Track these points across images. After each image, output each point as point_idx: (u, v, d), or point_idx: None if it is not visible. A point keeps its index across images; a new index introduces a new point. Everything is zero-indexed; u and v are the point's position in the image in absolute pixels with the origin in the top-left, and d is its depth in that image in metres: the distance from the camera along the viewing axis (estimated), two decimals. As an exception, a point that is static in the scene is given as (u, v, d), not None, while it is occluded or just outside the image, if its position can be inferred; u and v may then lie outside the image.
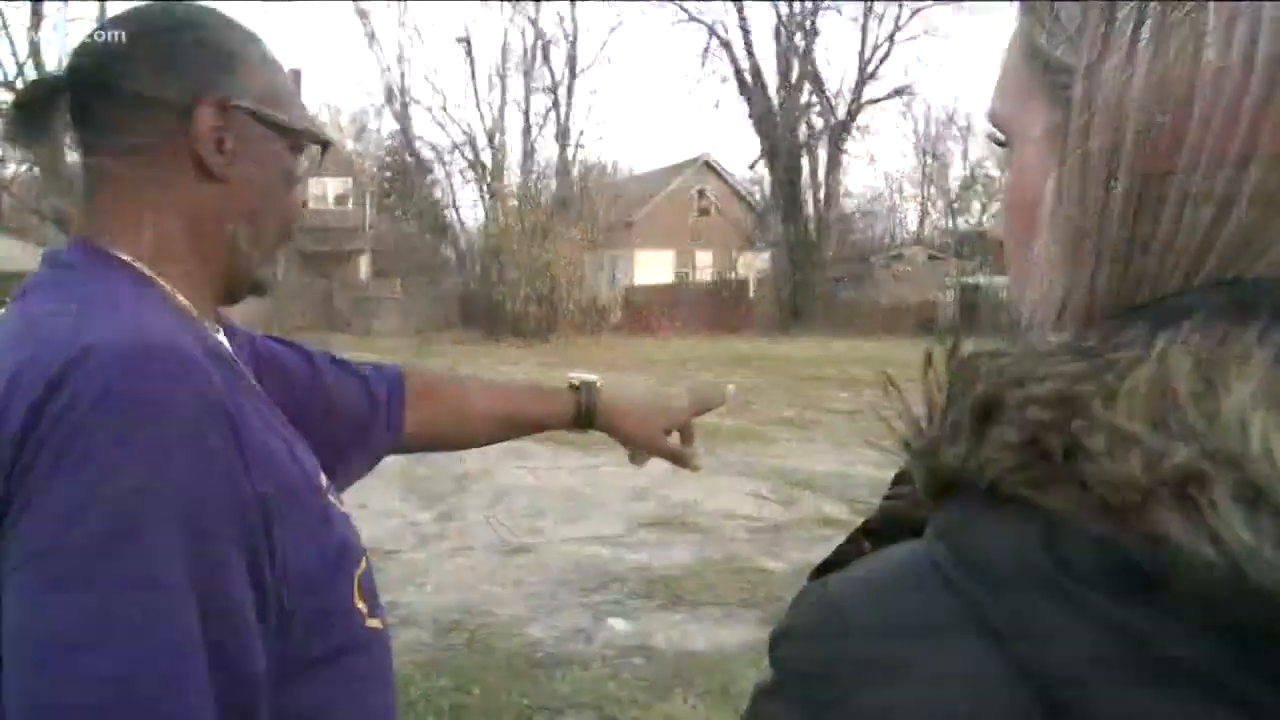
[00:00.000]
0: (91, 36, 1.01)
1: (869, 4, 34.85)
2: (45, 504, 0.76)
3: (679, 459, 1.48)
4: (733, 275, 38.39)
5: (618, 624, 5.07)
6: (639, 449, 1.48)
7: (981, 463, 0.42)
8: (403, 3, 43.11)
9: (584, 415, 1.44)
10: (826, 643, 0.45)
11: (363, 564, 1.01)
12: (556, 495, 7.93)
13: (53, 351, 0.81)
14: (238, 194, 1.01)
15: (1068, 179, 0.47)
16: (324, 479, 1.01)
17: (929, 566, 0.44)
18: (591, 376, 1.45)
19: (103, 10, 29.54)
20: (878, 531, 0.54)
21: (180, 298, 0.98)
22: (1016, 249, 0.53)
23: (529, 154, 35.04)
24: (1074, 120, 0.46)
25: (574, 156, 35.51)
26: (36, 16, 28.45)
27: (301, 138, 1.07)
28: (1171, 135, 0.43)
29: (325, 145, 1.12)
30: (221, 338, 1.05)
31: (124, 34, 0.99)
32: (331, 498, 1.00)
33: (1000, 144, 0.55)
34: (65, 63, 1.01)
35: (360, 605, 0.98)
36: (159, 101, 0.97)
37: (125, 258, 0.97)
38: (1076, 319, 0.47)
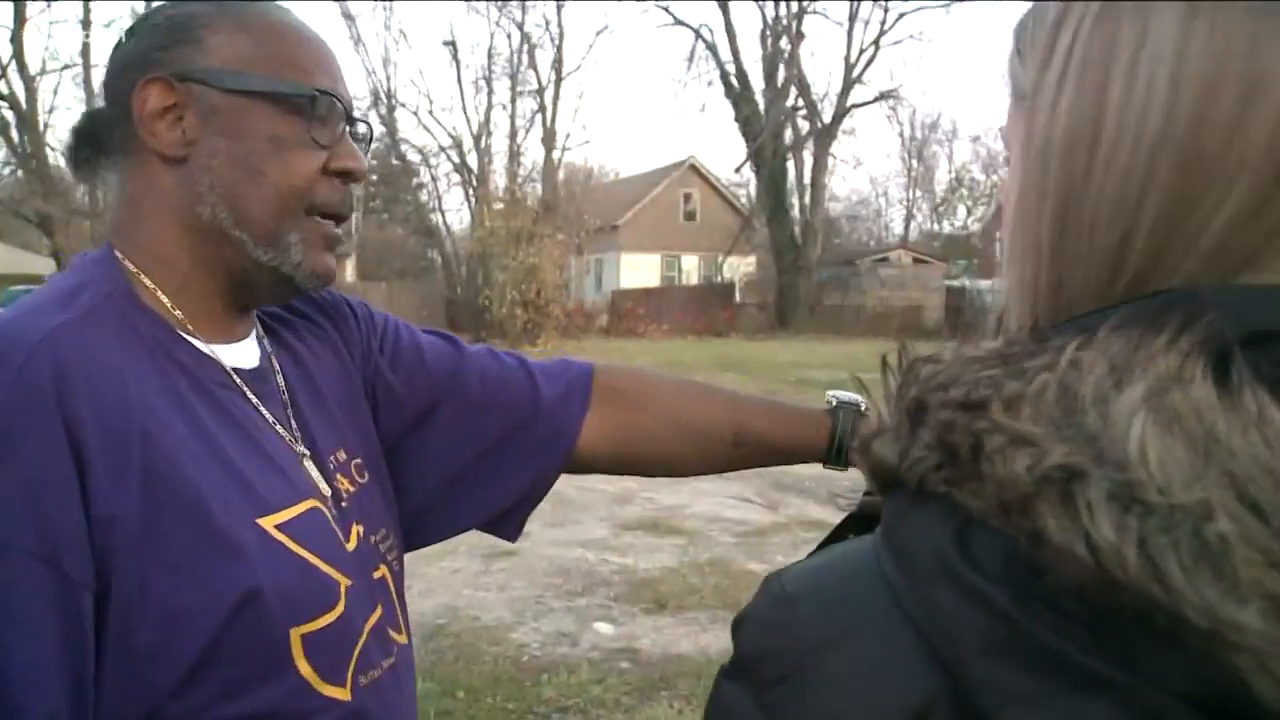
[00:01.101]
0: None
1: (855, 5, 34.95)
2: None
3: None
4: (719, 278, 38.44)
5: (603, 628, 5.07)
6: None
7: (911, 462, 0.45)
8: (389, 2, 42.93)
9: (838, 447, 1.15)
10: (776, 629, 0.49)
11: (316, 622, 0.90)
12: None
13: None
14: (205, 171, 0.94)
15: (1018, 192, 0.52)
16: (291, 514, 0.92)
17: (872, 559, 0.47)
18: (856, 398, 1.15)
19: (86, 11, 29.42)
20: (860, 524, 0.55)
21: (165, 300, 0.95)
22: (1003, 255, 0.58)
23: (515, 157, 35.02)
24: (1022, 138, 0.51)
25: (560, 160, 35.52)
26: (19, 18, 28.31)
27: (283, 98, 0.96)
28: (1085, 159, 0.47)
29: (317, 96, 0.97)
30: (233, 347, 0.99)
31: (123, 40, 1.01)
32: (284, 536, 0.90)
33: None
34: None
35: (304, 669, 0.88)
36: (120, 93, 0.96)
37: (118, 256, 0.96)
38: (1019, 325, 0.51)
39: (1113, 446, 0.39)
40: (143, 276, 0.95)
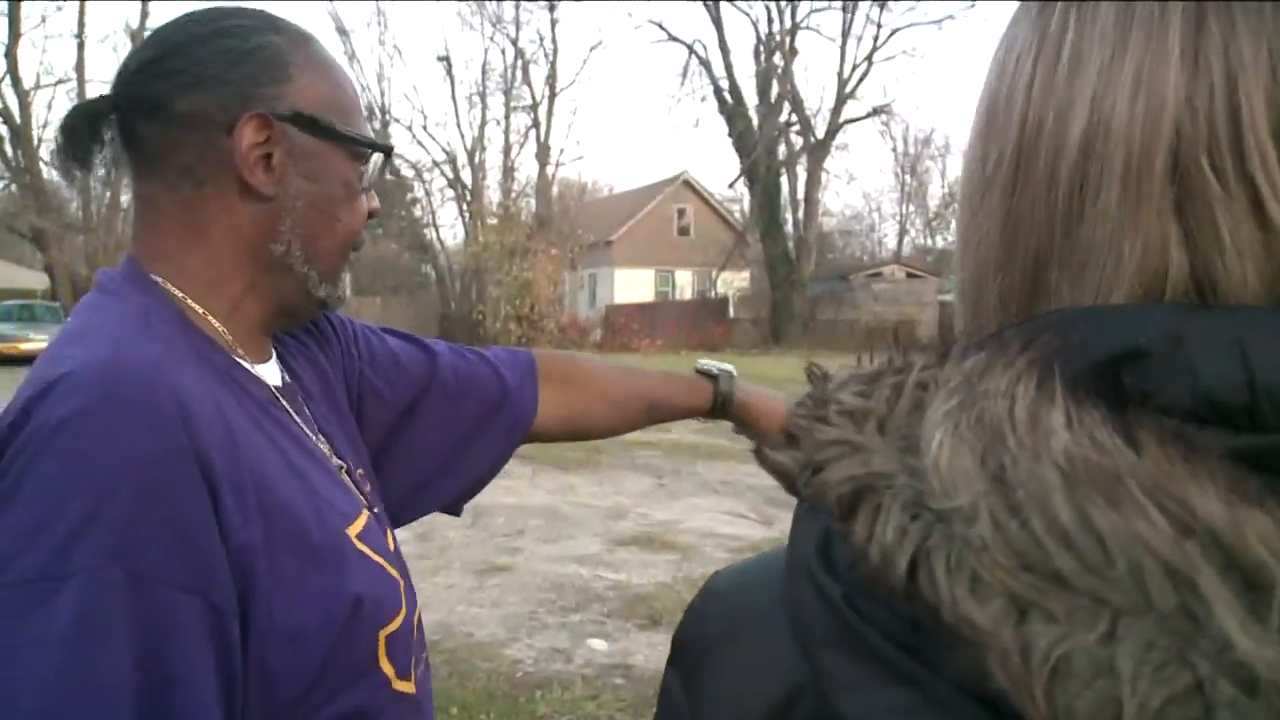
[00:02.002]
0: (133, 53, 0.97)
1: (849, 17, 35.07)
2: None
3: None
4: (713, 293, 38.51)
5: (597, 644, 5.06)
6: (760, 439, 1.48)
7: (798, 470, 0.48)
8: (384, 13, 42.95)
9: (719, 405, 1.43)
10: (698, 619, 0.55)
11: (394, 622, 0.95)
12: (535, 514, 7.90)
13: (32, 382, 0.79)
14: (288, 212, 0.96)
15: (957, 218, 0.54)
16: (362, 523, 0.96)
17: (781, 560, 0.51)
18: (727, 366, 1.46)
19: (81, 19, 29.45)
20: None
21: (215, 323, 0.94)
22: None
23: (509, 172, 35.06)
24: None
25: (554, 175, 35.57)
26: (14, 33, 28.33)
27: (360, 146, 1.01)
28: (977, 194, 0.50)
29: (388, 152, 1.06)
30: (266, 366, 1.00)
31: (166, 49, 0.94)
32: (365, 546, 0.95)
33: None
34: (112, 82, 0.97)
35: (387, 668, 0.93)
36: (203, 120, 0.93)
37: (160, 280, 0.93)
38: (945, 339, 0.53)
39: (918, 456, 0.41)
40: (189, 300, 0.94)
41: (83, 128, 0.95)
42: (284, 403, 0.98)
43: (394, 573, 0.99)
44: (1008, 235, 0.47)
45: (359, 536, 0.95)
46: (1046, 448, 0.38)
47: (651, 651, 4.93)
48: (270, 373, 1.01)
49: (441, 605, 5.65)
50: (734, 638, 0.52)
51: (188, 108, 0.92)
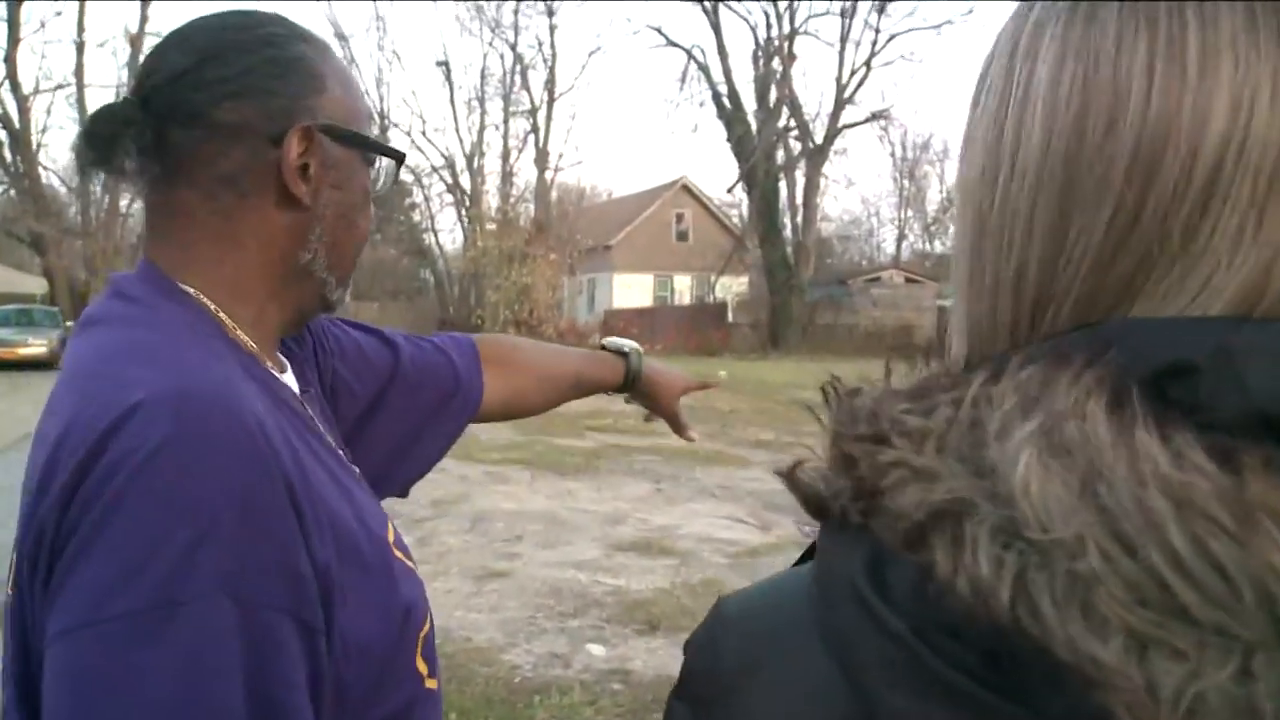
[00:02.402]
0: (161, 58, 0.94)
1: (847, 22, 35.12)
2: (87, 571, 0.72)
3: (682, 427, 1.61)
4: (711, 298, 38.51)
5: (595, 649, 5.05)
6: (658, 411, 1.60)
7: (835, 492, 0.46)
8: (381, 2, 43.01)
9: (629, 380, 1.54)
10: (710, 649, 0.52)
11: (427, 625, 0.97)
12: (534, 519, 7.89)
13: (102, 406, 0.77)
14: (318, 220, 0.97)
15: (957, 224, 0.53)
16: (391, 531, 0.97)
17: (803, 585, 0.49)
18: (634, 344, 1.56)
19: (80, 24, 29.45)
20: None
21: (243, 335, 0.94)
22: None
23: (508, 177, 35.08)
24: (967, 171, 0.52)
25: (553, 180, 35.59)
26: (13, 38, 28.35)
27: (380, 153, 1.03)
28: (988, 202, 0.49)
29: (400, 159, 1.08)
30: (287, 375, 1.01)
31: (203, 56, 0.93)
32: (399, 552, 0.96)
33: None
34: (135, 84, 0.94)
35: (421, 668, 0.95)
36: (248, 131, 0.92)
37: (191, 291, 0.92)
38: (958, 359, 0.52)
39: (1002, 481, 0.39)
40: (220, 313, 0.93)
41: (108, 133, 0.92)
42: (309, 411, 0.99)
43: (419, 576, 1.00)
44: (1083, 239, 0.45)
45: (395, 544, 0.96)
46: (1149, 475, 0.37)
47: (650, 657, 4.93)
48: (291, 381, 1.01)
49: (440, 610, 5.64)
50: (755, 668, 0.49)
51: (232, 118, 0.92)
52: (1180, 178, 0.43)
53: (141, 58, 1.02)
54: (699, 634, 0.54)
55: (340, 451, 1.00)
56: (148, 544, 0.72)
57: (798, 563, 0.59)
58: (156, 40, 0.99)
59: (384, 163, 1.06)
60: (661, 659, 4.89)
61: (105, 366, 0.83)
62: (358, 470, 1.03)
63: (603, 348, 1.57)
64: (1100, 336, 0.43)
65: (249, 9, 0.99)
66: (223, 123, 0.92)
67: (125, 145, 0.92)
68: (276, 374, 0.97)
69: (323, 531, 0.82)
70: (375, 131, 1.05)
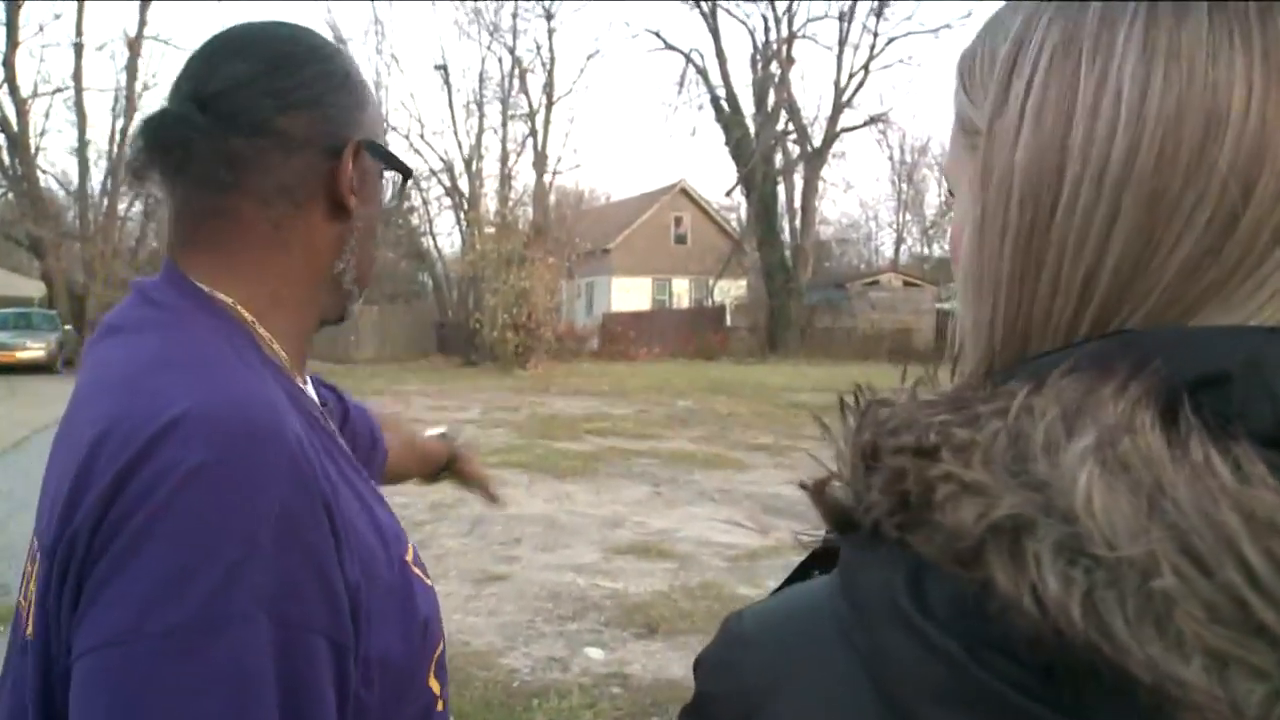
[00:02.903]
0: (213, 64, 0.93)
1: (845, 26, 35.15)
2: (124, 586, 0.72)
3: (491, 493, 1.71)
4: (710, 301, 38.53)
5: (594, 653, 5.05)
6: (478, 484, 1.68)
7: (866, 506, 0.45)
8: (380, 3, 42.98)
9: (450, 461, 1.65)
10: (729, 670, 0.51)
11: (441, 644, 0.97)
12: (532, 523, 7.89)
13: (142, 417, 0.76)
14: (353, 232, 0.98)
15: (972, 229, 0.52)
16: (410, 550, 0.96)
17: (825, 602, 0.48)
18: (438, 430, 1.68)
19: (79, 27, 29.45)
20: (825, 561, 0.55)
21: (277, 347, 0.93)
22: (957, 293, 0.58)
23: (506, 181, 35.08)
24: (978, 176, 0.51)
25: (551, 183, 35.59)
26: (12, 41, 28.36)
27: (400, 169, 1.04)
28: (1050, 196, 0.47)
29: (410, 174, 1.08)
30: (310, 390, 1.00)
31: (265, 65, 0.93)
32: (417, 570, 0.96)
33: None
34: (187, 90, 0.92)
35: (434, 686, 0.94)
36: (309, 142, 0.93)
37: (226, 301, 0.91)
38: (976, 363, 0.51)
39: (1061, 497, 0.38)
40: (257, 325, 0.92)
41: (180, 139, 0.90)
42: (332, 424, 0.98)
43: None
44: (1173, 246, 0.45)
45: (414, 561, 0.96)
46: (1216, 490, 0.36)
47: (648, 660, 4.92)
48: (312, 393, 1.01)
49: (438, 614, 5.64)
50: (779, 688, 0.48)
51: (296, 128, 0.92)
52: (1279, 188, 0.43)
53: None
54: (713, 654, 0.52)
55: (362, 469, 0.99)
56: (189, 561, 0.72)
57: (798, 571, 0.59)
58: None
59: (391, 175, 1.06)
60: (660, 662, 4.89)
61: (142, 376, 0.82)
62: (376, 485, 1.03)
63: (447, 437, 1.68)
64: (1142, 345, 0.42)
65: (278, 22, 0.99)
66: (286, 132, 0.92)
67: (196, 151, 0.90)
68: (304, 388, 0.96)
69: (353, 552, 0.82)
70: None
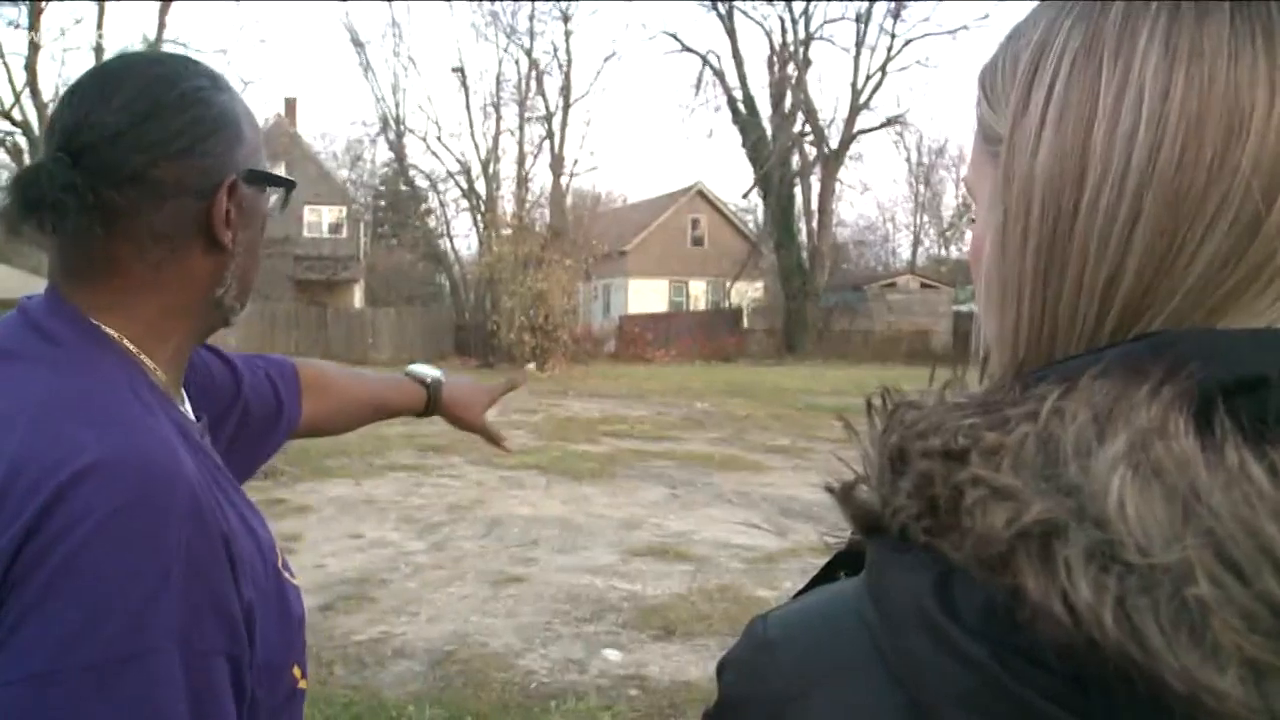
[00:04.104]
0: (86, 113, 0.93)
1: (862, 27, 35.09)
2: (42, 624, 0.76)
3: (494, 439, 1.77)
4: (726, 304, 38.49)
5: (612, 654, 5.05)
6: (466, 429, 1.73)
7: (894, 509, 0.45)
8: (398, 3, 43.08)
9: (430, 405, 1.67)
10: (755, 674, 0.50)
11: (303, 636, 1.03)
12: (550, 525, 7.90)
13: (51, 462, 0.80)
14: (233, 258, 1.01)
15: (994, 236, 0.51)
16: (279, 555, 1.01)
17: (852, 605, 0.47)
18: (436, 373, 1.70)
19: (99, 39, 29.68)
20: (851, 563, 0.55)
21: (160, 374, 0.97)
22: (979, 300, 0.58)
23: (523, 183, 35.11)
24: (999, 183, 0.51)
25: (568, 185, 35.63)
26: (34, 46, 28.57)
27: (282, 186, 1.07)
28: (1071, 200, 0.47)
29: (292, 186, 1.11)
30: (187, 407, 1.05)
31: (136, 117, 0.93)
32: (286, 574, 1.01)
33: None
34: (59, 139, 0.93)
35: (296, 673, 0.99)
36: (182, 188, 0.95)
37: (113, 334, 0.94)
38: (1004, 368, 0.51)
39: (1093, 502, 0.38)
40: (142, 355, 0.96)
41: (50, 199, 0.90)
42: (208, 439, 1.03)
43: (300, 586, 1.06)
44: (1195, 248, 0.45)
45: (284, 565, 1.02)
46: (1254, 497, 0.36)
47: (666, 662, 4.92)
48: (189, 411, 1.05)
49: (456, 615, 5.66)
50: (808, 693, 0.47)
51: (168, 177, 0.94)
52: None
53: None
54: (738, 658, 0.52)
55: (234, 481, 1.03)
56: (107, 599, 0.77)
57: (823, 572, 0.58)
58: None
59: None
60: (678, 664, 4.89)
61: (48, 418, 0.85)
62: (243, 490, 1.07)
63: (408, 374, 1.69)
64: (1174, 347, 0.42)
65: (164, 55, 1.03)
66: (159, 181, 0.94)
67: (67, 209, 0.90)
68: (185, 409, 1.02)
69: (245, 574, 0.88)
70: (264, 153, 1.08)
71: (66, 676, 0.75)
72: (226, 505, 0.91)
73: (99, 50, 29.50)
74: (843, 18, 42.71)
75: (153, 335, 0.97)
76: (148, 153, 0.93)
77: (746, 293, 38.98)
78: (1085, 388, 0.42)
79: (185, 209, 0.96)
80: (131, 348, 0.95)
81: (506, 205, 34.06)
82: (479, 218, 33.14)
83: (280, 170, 1.07)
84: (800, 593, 0.56)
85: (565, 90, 34.81)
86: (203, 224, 0.97)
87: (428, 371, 1.70)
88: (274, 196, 1.09)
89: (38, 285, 1.02)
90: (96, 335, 0.93)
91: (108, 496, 0.79)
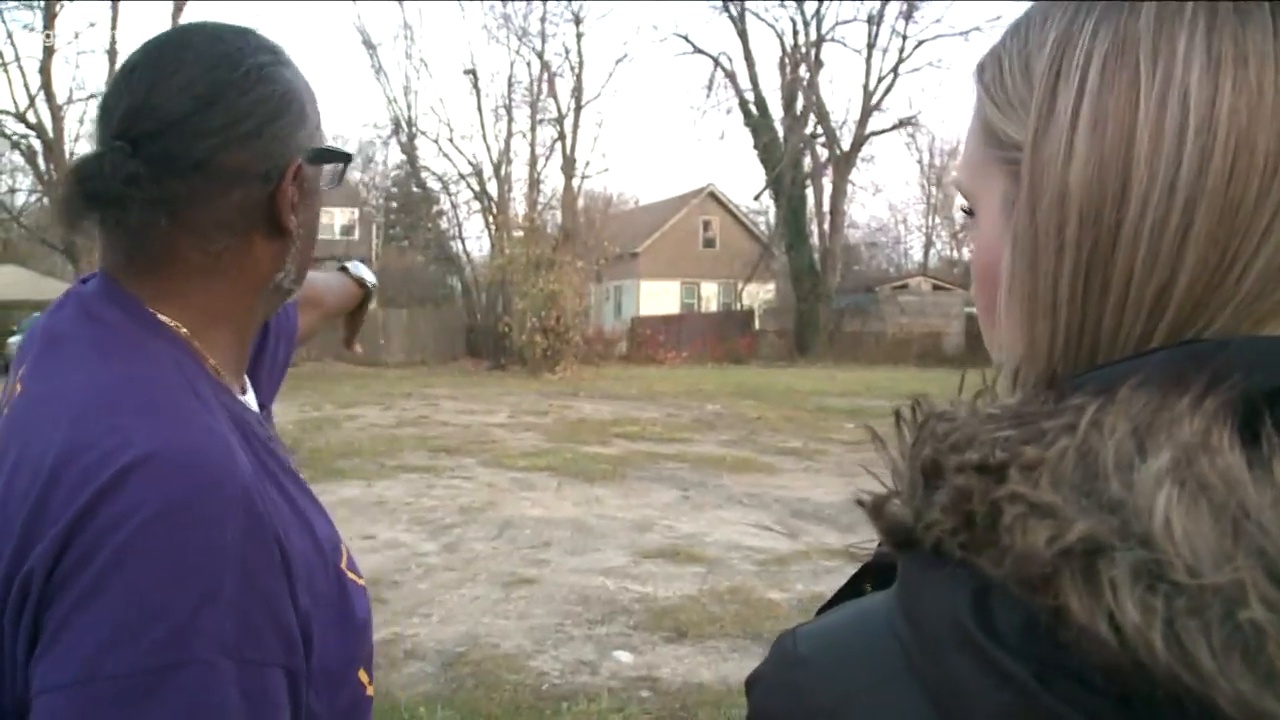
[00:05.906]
0: (145, 97, 0.88)
1: (874, 29, 35.05)
2: (88, 626, 0.72)
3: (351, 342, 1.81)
4: (738, 305, 38.47)
5: (623, 656, 5.05)
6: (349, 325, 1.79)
7: (928, 523, 0.44)
8: (409, 2, 43.07)
9: (359, 308, 1.76)
10: (786, 691, 0.49)
11: (370, 640, 0.99)
12: (561, 527, 7.90)
13: (102, 452, 0.76)
14: (294, 241, 0.97)
15: (1020, 247, 0.49)
16: (344, 554, 0.97)
17: (884, 621, 0.46)
18: (373, 277, 1.79)
19: (113, 41, 29.77)
20: (878, 574, 0.54)
21: (218, 363, 0.93)
22: (985, 311, 0.56)
23: (534, 185, 35.14)
24: (1023, 193, 0.49)
25: (579, 187, 35.63)
26: (48, 48, 28.68)
27: (341, 158, 1.02)
28: (1114, 212, 0.45)
29: (349, 160, 1.05)
30: (249, 396, 1.01)
31: (201, 102, 0.89)
32: (351, 574, 0.97)
33: (968, 213, 0.57)
34: (115, 125, 0.88)
35: (363, 679, 0.96)
36: (247, 174, 0.91)
37: (168, 322, 0.91)
38: (1034, 381, 0.49)
39: (1137, 519, 0.37)
40: (195, 341, 0.92)
41: (114, 193, 0.86)
42: (272, 434, 0.98)
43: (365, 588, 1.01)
44: (1251, 257, 0.44)
45: (349, 566, 0.97)
46: None
47: (678, 664, 4.92)
48: (252, 400, 1.01)
49: (467, 617, 5.66)
50: (843, 710, 0.46)
51: (233, 164, 0.90)
52: None
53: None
54: (770, 674, 0.51)
55: (298, 475, 0.99)
56: (151, 604, 0.73)
57: (848, 585, 0.57)
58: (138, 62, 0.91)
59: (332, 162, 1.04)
60: (689, 666, 4.88)
61: (101, 407, 0.81)
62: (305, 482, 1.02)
63: (343, 269, 1.75)
64: (1216, 356, 0.41)
65: (223, 28, 0.96)
66: (224, 168, 0.90)
67: (130, 203, 0.87)
68: (241, 398, 0.97)
69: (301, 580, 0.84)
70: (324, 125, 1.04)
71: (105, 684, 0.71)
72: (284, 502, 0.87)
73: (113, 53, 29.58)
74: (854, 19, 42.75)
75: (211, 324, 0.93)
76: (212, 139, 0.89)
77: (758, 294, 38.96)
78: (1124, 399, 0.40)
79: (251, 195, 0.92)
80: (188, 337, 0.91)
81: (518, 207, 34.09)
82: (491, 219, 33.15)
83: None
84: (825, 606, 0.55)
85: (577, 92, 34.81)
86: (268, 210, 0.93)
87: (366, 274, 1.76)
88: (328, 169, 1.03)
89: (50, 288, 1.00)
90: (149, 321, 0.90)
91: (158, 491, 0.75)
